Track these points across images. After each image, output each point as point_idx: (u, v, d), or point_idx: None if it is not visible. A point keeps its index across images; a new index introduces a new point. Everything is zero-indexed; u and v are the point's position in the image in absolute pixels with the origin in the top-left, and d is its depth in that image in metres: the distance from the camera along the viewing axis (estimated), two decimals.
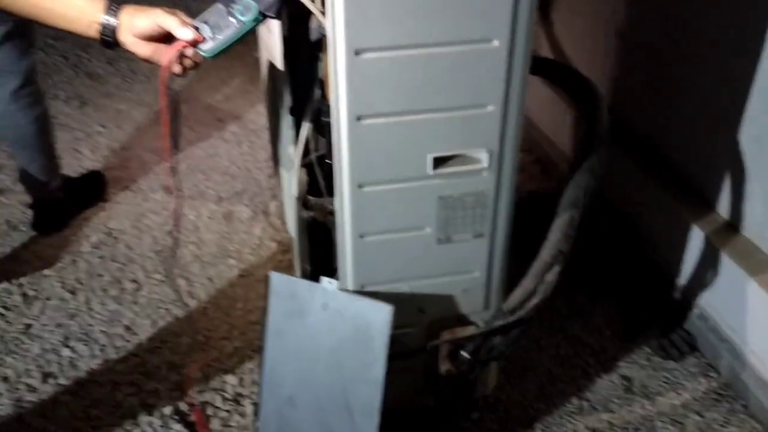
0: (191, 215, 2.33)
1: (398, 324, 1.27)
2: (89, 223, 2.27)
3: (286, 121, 1.52)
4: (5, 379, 1.71)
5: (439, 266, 1.32)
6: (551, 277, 1.30)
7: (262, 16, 1.08)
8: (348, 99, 1.11)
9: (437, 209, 1.25)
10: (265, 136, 2.82)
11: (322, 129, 1.34)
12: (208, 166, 2.61)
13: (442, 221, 1.27)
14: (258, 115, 2.94)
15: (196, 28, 1.07)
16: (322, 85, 1.29)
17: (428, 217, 1.26)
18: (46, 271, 2.06)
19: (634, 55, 2.07)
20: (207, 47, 1.07)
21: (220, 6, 1.08)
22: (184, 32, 1.05)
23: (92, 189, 2.39)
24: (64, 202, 2.25)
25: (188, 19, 1.08)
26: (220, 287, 2.04)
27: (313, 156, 1.46)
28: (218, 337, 1.87)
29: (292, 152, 1.48)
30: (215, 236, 2.25)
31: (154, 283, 2.04)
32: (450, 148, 1.20)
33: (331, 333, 1.31)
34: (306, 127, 1.37)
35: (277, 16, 1.11)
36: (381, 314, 1.26)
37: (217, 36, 1.07)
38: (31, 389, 1.69)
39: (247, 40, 1.11)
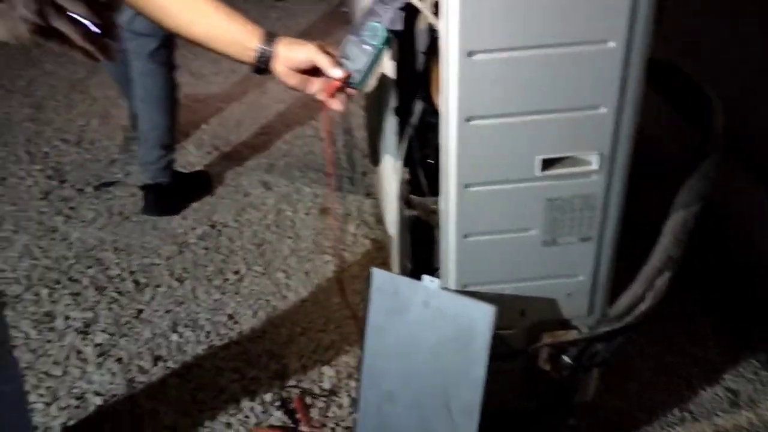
0: (288, 210, 2.41)
1: (499, 325, 1.27)
2: (195, 216, 2.38)
3: (390, 121, 1.55)
4: (119, 360, 1.83)
5: (544, 269, 1.31)
6: (661, 283, 1.26)
7: (391, 34, 1.12)
8: (458, 100, 1.11)
9: (544, 211, 1.24)
10: (360, 134, 2.88)
11: (427, 129, 1.36)
12: (304, 164, 2.69)
13: (548, 223, 1.26)
14: (352, 114, 2.99)
15: (342, 67, 1.13)
16: (429, 85, 1.30)
17: (534, 218, 1.25)
18: (155, 260, 2.18)
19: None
20: (355, 80, 1.15)
21: (352, 37, 1.14)
22: (335, 72, 1.11)
23: (199, 185, 2.51)
24: (174, 189, 2.39)
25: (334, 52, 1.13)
26: (317, 282, 2.10)
27: (416, 155, 1.48)
28: (315, 329, 1.92)
29: (394, 151, 1.50)
30: (311, 232, 2.31)
31: (255, 275, 2.12)
32: (560, 149, 1.19)
33: (432, 331, 1.32)
34: (411, 127, 1.39)
35: (404, 30, 1.15)
36: (483, 314, 1.26)
37: (359, 66, 1.14)
38: (143, 371, 1.79)
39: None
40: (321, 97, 1.17)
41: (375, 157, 2.04)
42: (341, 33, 3.69)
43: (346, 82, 1.14)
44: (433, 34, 1.19)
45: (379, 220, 2.30)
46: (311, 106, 3.05)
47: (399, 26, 1.13)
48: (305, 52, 1.11)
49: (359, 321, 1.51)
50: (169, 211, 2.38)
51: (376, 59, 1.14)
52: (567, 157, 1.21)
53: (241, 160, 2.69)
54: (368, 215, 2.37)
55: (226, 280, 2.11)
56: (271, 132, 2.88)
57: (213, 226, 2.34)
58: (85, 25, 0.76)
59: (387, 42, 1.13)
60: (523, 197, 1.23)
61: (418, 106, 1.36)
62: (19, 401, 1.35)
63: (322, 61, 1.10)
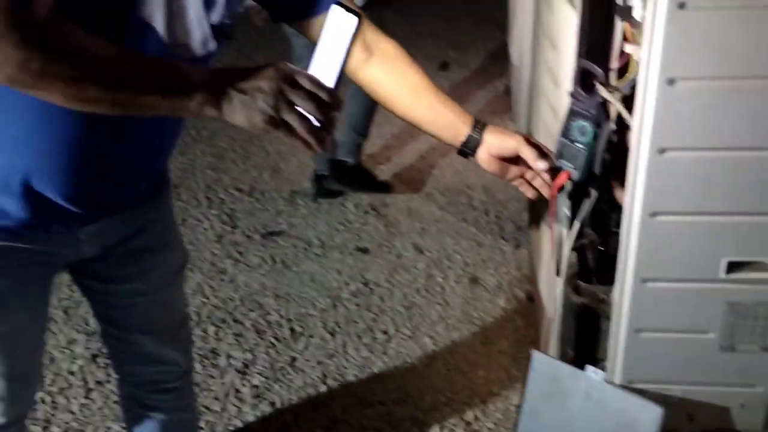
0: (439, 277, 2.45)
1: (664, 428, 1.22)
2: (349, 272, 2.49)
3: (562, 203, 1.56)
4: (272, 404, 1.93)
5: (718, 375, 1.25)
6: None
7: (598, 128, 1.17)
8: (645, 195, 1.12)
9: (724, 315, 1.19)
10: (513, 207, 2.89)
11: (600, 216, 1.35)
12: (456, 231, 2.73)
13: (728, 328, 1.20)
14: (506, 186, 3.02)
15: (560, 168, 1.20)
16: (608, 177, 1.31)
17: (713, 321, 1.20)
18: (311, 311, 2.29)
19: None
20: (574, 177, 1.21)
21: (562, 139, 1.22)
22: (540, 164, 1.15)
23: (377, 186, 2.98)
24: (354, 171, 2.91)
25: (548, 151, 1.19)
26: (463, 352, 2.11)
27: (586, 240, 1.47)
28: (459, 400, 1.92)
29: (564, 234, 1.51)
30: (460, 300, 2.33)
31: (403, 338, 2.17)
32: (747, 253, 1.15)
33: (591, 424, 1.29)
34: (584, 212, 1.39)
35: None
36: (649, 415, 1.21)
37: (576, 164, 1.20)
38: (295, 418, 1.88)
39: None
40: (516, 183, 1.22)
41: (537, 238, 2.04)
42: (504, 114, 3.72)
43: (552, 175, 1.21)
44: (620, 128, 1.20)
45: (531, 297, 2.28)
46: (466, 174, 3.11)
47: (603, 120, 1.17)
48: (513, 143, 1.14)
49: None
50: (334, 196, 2.88)
51: (589, 155, 1.18)
52: (754, 262, 1.16)
53: (395, 223, 2.79)
54: (518, 290, 2.36)
55: (375, 338, 2.17)
56: (426, 197, 2.97)
57: (365, 284, 2.43)
58: (309, 120, 0.85)
59: (595, 137, 1.17)
60: (704, 298, 1.19)
61: (594, 194, 1.37)
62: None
63: (529, 154, 1.14)
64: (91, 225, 1.09)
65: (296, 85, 0.83)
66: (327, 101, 0.84)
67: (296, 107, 0.84)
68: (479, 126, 1.16)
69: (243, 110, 0.84)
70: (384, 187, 3.01)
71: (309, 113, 0.84)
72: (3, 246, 1.02)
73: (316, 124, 0.86)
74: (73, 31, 0.79)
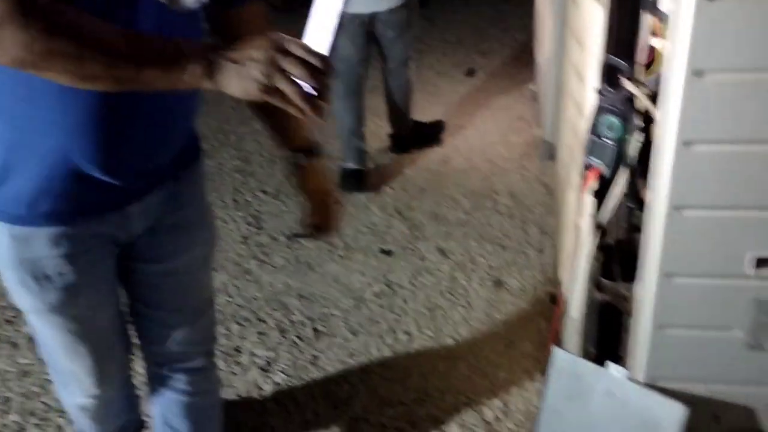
0: (462, 279, 2.44)
1: (689, 428, 1.20)
2: (373, 274, 2.50)
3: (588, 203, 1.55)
4: (295, 401, 1.93)
5: (744, 374, 1.23)
6: None
7: (626, 123, 1.17)
8: (671, 188, 1.11)
9: (752, 312, 1.17)
10: (538, 211, 2.88)
11: (628, 214, 1.34)
12: (481, 235, 2.72)
13: (755, 326, 1.18)
14: (532, 190, 3.01)
15: (591, 165, 1.23)
16: (633, 170, 1.30)
17: (740, 319, 1.18)
18: (334, 311, 2.30)
19: None
20: (606, 173, 1.26)
21: (591, 136, 1.24)
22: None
23: (433, 133, 3.37)
24: (412, 136, 3.30)
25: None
26: (485, 354, 2.09)
27: (610, 239, 1.46)
28: (480, 401, 1.91)
29: (588, 234, 1.50)
30: (483, 303, 2.32)
31: (425, 339, 2.16)
32: None
33: (613, 422, 1.28)
34: (608, 211, 1.38)
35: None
36: (673, 414, 1.20)
37: (606, 161, 1.24)
38: (316, 415, 1.88)
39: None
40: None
41: (560, 237, 2.03)
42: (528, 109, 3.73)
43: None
44: (647, 122, 1.20)
45: (554, 300, 2.26)
46: (491, 179, 3.11)
47: (627, 111, 1.16)
48: None
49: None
50: (407, 151, 3.30)
51: (619, 150, 1.19)
52: None
53: (420, 226, 2.79)
54: (542, 293, 2.34)
55: (397, 339, 2.17)
56: (451, 201, 2.97)
57: (389, 286, 2.43)
58: (302, 87, 0.87)
59: (624, 130, 1.17)
60: (730, 295, 1.17)
61: (618, 191, 1.36)
62: None
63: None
64: (135, 204, 1.15)
65: (288, 53, 0.86)
66: (319, 68, 0.86)
67: (289, 75, 0.86)
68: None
69: (237, 80, 0.87)
70: (440, 129, 3.42)
71: (302, 80, 0.86)
72: (63, 232, 1.09)
73: (311, 92, 0.87)
74: (72, 11, 0.84)
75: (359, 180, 3.07)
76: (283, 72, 0.86)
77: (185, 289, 1.33)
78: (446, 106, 3.84)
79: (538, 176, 3.10)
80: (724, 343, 1.20)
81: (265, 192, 3.07)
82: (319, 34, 0.88)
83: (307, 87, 0.87)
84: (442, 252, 2.61)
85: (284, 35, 0.88)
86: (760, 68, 1.03)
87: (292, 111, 0.88)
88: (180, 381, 1.42)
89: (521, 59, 4.33)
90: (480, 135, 3.55)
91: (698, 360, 1.23)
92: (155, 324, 1.36)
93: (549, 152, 3.08)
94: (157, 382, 1.46)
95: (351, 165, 3.06)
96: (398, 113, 3.25)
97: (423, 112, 3.52)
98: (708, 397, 1.25)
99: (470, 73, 4.26)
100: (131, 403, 1.58)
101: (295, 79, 0.86)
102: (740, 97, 1.04)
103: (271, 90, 0.87)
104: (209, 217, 1.38)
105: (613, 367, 1.28)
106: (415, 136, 3.34)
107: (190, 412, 1.45)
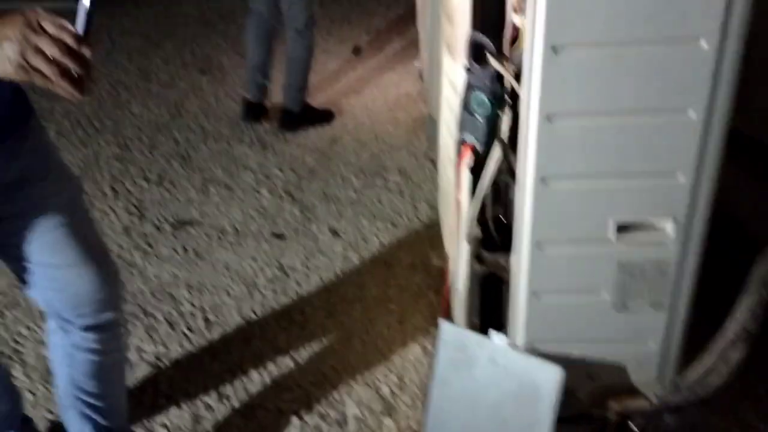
0: (355, 258, 2.46)
1: (565, 387, 1.27)
2: (265, 259, 2.46)
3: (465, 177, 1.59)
4: (187, 394, 1.88)
5: (613, 333, 1.31)
6: (735, 356, 1.24)
7: (494, 100, 1.20)
8: (536, 161, 1.15)
9: (615, 275, 1.24)
10: (427, 187, 2.93)
11: (500, 187, 1.39)
12: (372, 213, 2.74)
13: (619, 288, 1.26)
14: (420, 167, 3.06)
15: (465, 141, 1.26)
16: (504, 145, 1.34)
17: (605, 282, 1.25)
18: (226, 300, 2.25)
19: None
20: (479, 148, 1.29)
21: (463, 112, 1.27)
22: None
23: (321, 116, 3.42)
24: (301, 116, 3.36)
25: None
26: (379, 330, 2.12)
27: (488, 212, 1.50)
28: (376, 378, 1.94)
29: (468, 207, 1.54)
30: (376, 280, 2.34)
31: (320, 321, 2.16)
32: (634, 215, 1.20)
33: (497, 388, 1.33)
34: (484, 185, 1.42)
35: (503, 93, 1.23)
36: (550, 375, 1.26)
37: (478, 136, 1.27)
38: (209, 408, 1.84)
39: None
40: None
41: (445, 210, 2.08)
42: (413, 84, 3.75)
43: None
44: (514, 98, 1.23)
45: (444, 274, 2.32)
46: (381, 157, 3.13)
47: (498, 92, 1.19)
48: None
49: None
50: (294, 130, 3.34)
51: (489, 126, 1.22)
52: (641, 223, 1.21)
53: (311, 207, 2.77)
54: (433, 268, 2.39)
55: (293, 323, 2.16)
56: (342, 181, 2.97)
57: (281, 269, 2.41)
58: (61, 65, 0.86)
59: (492, 108, 1.20)
60: (595, 259, 1.23)
61: (493, 165, 1.40)
62: None
63: None
64: None
65: (42, 31, 0.84)
66: (73, 45, 0.86)
67: (44, 53, 0.85)
68: None
69: None
70: (326, 116, 3.46)
71: (57, 58, 0.85)
72: None
73: (74, 70, 0.86)
74: None
75: (257, 113, 3.41)
76: (38, 50, 0.84)
77: (63, 241, 1.26)
78: (334, 85, 3.82)
79: (426, 152, 3.15)
80: (594, 305, 1.27)
81: (147, 179, 2.94)
82: (79, 14, 0.88)
83: (68, 64, 0.86)
84: (335, 232, 2.61)
85: (40, 12, 0.86)
86: (614, 42, 1.08)
87: (54, 90, 0.87)
88: (87, 339, 1.37)
89: (406, 36, 4.37)
90: (368, 113, 3.56)
91: (571, 323, 1.29)
92: (47, 279, 1.29)
93: (434, 129, 3.13)
94: (62, 342, 1.39)
95: (251, 98, 3.38)
96: (292, 87, 3.32)
97: (311, 90, 3.48)
98: (582, 357, 1.32)
99: (357, 51, 4.25)
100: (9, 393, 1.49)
101: (51, 57, 0.85)
102: (596, 70, 1.09)
103: (28, 69, 0.85)
104: (61, 166, 1.31)
105: (495, 336, 1.33)
106: (305, 116, 3.40)
107: (99, 371, 1.41)
